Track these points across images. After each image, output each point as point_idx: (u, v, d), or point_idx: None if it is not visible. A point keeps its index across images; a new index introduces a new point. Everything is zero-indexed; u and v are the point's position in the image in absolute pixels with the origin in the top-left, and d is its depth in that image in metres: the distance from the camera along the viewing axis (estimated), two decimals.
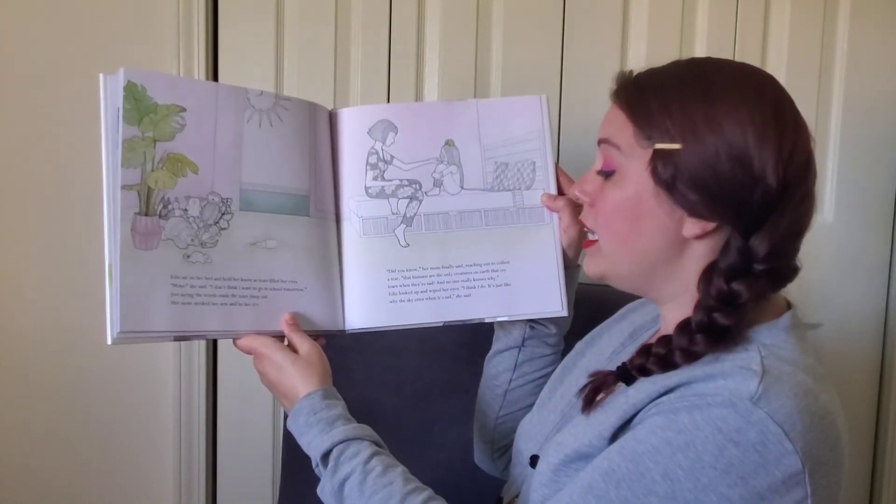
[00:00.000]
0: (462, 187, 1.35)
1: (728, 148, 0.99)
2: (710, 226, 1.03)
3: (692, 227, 1.03)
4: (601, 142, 1.12)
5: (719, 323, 1.00)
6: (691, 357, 1.00)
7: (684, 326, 1.02)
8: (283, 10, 1.87)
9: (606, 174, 1.11)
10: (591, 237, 1.17)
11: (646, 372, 1.03)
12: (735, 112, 1.00)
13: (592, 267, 1.16)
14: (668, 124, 1.03)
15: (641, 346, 1.08)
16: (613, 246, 1.12)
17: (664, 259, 1.08)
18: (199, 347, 1.94)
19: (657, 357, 1.03)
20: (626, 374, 1.06)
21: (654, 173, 1.04)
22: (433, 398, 1.73)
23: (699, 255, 1.05)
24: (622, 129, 1.08)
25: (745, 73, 1.07)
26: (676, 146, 1.02)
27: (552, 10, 1.88)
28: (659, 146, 1.03)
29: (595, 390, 1.09)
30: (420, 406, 1.73)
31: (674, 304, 1.10)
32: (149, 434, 1.98)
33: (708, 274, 1.03)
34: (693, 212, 1.03)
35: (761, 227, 1.01)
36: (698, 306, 1.03)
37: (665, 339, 1.04)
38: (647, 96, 1.06)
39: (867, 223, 1.96)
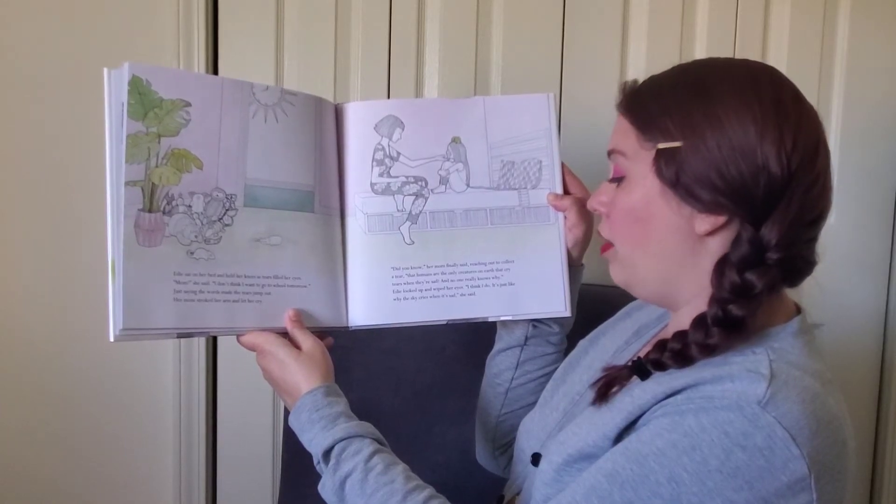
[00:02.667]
0: (468, 185, 1.35)
1: (729, 142, 1.00)
2: (721, 220, 1.03)
3: (703, 223, 1.03)
4: (610, 153, 1.14)
5: (734, 315, 0.99)
6: (708, 351, 1.00)
7: (700, 321, 1.02)
8: (283, 7, 1.86)
9: (617, 181, 1.12)
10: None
11: (661, 366, 1.03)
12: (733, 106, 1.01)
13: (615, 274, 1.16)
14: (667, 124, 1.04)
15: (657, 341, 1.08)
16: (629, 250, 1.12)
17: (680, 259, 1.07)
18: (199, 348, 1.93)
19: (673, 352, 1.02)
20: (642, 368, 1.06)
21: (659, 173, 1.05)
22: (433, 399, 1.73)
23: (714, 251, 1.05)
24: (626, 136, 1.10)
25: (741, 68, 1.08)
26: (677, 144, 1.03)
27: (552, 10, 1.88)
28: (661, 146, 1.04)
29: (608, 384, 1.09)
30: (420, 406, 1.73)
31: (689, 308, 1.08)
32: (149, 434, 1.97)
33: (721, 267, 1.03)
34: (701, 208, 1.03)
35: (770, 216, 1.01)
36: (713, 300, 1.02)
37: (681, 334, 1.03)
38: (647, 101, 1.09)
39: (867, 223, 1.96)
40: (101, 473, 1.97)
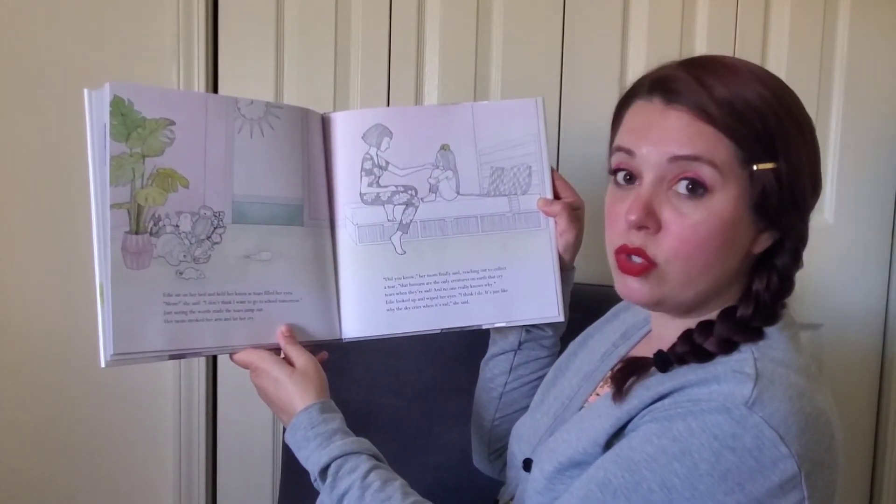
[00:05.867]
0: (458, 193, 1.34)
1: (807, 166, 1.03)
2: (777, 236, 1.05)
3: (765, 241, 1.05)
4: (686, 158, 1.01)
5: (766, 313, 1.04)
6: (728, 347, 1.02)
7: (729, 316, 1.05)
8: (282, 12, 1.86)
9: (696, 192, 1.01)
10: (638, 260, 1.05)
11: (683, 360, 1.03)
12: (807, 128, 1.04)
13: (647, 292, 1.05)
14: (772, 145, 1.00)
15: (683, 331, 1.05)
16: (689, 274, 1.03)
17: (727, 278, 1.06)
18: None
19: (694, 347, 1.04)
20: (665, 361, 1.04)
21: (754, 195, 1.01)
22: (433, 399, 1.73)
23: (750, 263, 1.07)
24: (717, 147, 1.00)
25: (785, 84, 1.08)
26: (772, 166, 1.00)
27: (552, 10, 1.88)
28: (759, 167, 1.00)
29: (625, 375, 1.05)
30: (420, 407, 1.73)
31: (694, 315, 1.09)
32: (149, 434, 1.98)
33: (765, 272, 1.06)
34: (772, 228, 1.04)
35: (806, 224, 1.06)
36: (746, 298, 1.05)
37: (706, 325, 1.05)
38: (747, 114, 1.00)
39: (867, 223, 1.96)
40: (102, 473, 1.99)
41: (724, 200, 1.00)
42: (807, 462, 0.93)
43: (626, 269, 1.06)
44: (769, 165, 1.00)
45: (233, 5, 1.87)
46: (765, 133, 1.00)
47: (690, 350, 1.03)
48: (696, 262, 1.02)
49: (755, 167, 1.00)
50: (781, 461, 0.92)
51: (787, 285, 1.04)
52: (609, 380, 1.11)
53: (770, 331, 1.04)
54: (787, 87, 1.06)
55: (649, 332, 1.22)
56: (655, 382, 1.01)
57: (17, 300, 1.93)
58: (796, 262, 1.05)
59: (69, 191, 1.88)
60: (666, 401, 0.98)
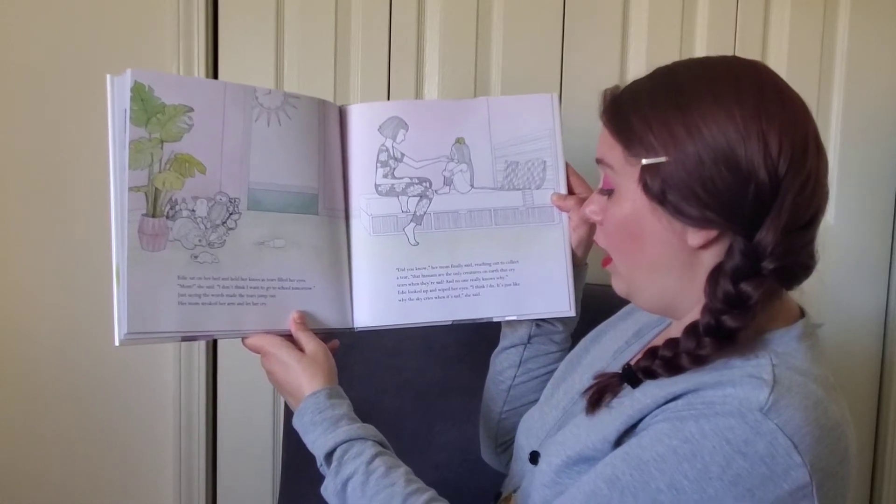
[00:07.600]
0: (472, 186, 1.35)
1: (711, 152, 0.97)
2: (713, 234, 1.01)
3: (695, 237, 1.01)
4: (598, 162, 1.12)
5: (727, 325, 0.98)
6: (698, 361, 0.99)
7: (692, 329, 1.01)
8: (283, 9, 1.86)
9: (608, 193, 1.10)
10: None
11: (651, 374, 1.02)
12: (712, 114, 0.98)
13: (616, 286, 1.15)
14: (650, 138, 1.01)
15: (648, 348, 1.07)
16: (624, 263, 1.11)
17: (676, 272, 1.06)
18: (200, 347, 1.93)
19: (663, 360, 1.01)
20: (632, 376, 1.05)
21: (646, 189, 1.02)
22: (434, 398, 1.73)
23: (709, 263, 1.03)
24: (612, 149, 1.07)
25: (720, 69, 1.04)
26: (661, 160, 1.00)
27: (552, 10, 1.88)
28: (645, 162, 1.01)
29: (600, 392, 1.08)
30: (421, 406, 1.73)
31: (690, 317, 1.06)
32: (149, 434, 1.98)
33: (714, 276, 1.01)
34: (692, 222, 1.01)
35: (762, 224, 0.98)
36: (705, 309, 1.01)
37: (672, 342, 1.02)
38: (628, 112, 1.05)
39: (867, 223, 1.97)
40: (102, 473, 1.98)
41: (624, 196, 1.07)
42: (819, 472, 0.92)
43: (603, 262, 1.17)
44: (658, 160, 1.00)
45: (233, 2, 1.86)
46: (642, 127, 1.03)
47: (655, 364, 1.02)
48: (622, 252, 1.11)
49: (643, 162, 1.02)
50: (793, 469, 0.91)
51: (742, 291, 0.98)
52: (582, 396, 1.11)
53: (789, 339, 1.03)
54: (693, 75, 1.04)
55: (664, 329, 1.22)
56: (669, 382, 1.00)
57: (18, 298, 1.91)
58: (752, 264, 0.99)
59: (70, 184, 1.88)
60: (679, 401, 0.97)
